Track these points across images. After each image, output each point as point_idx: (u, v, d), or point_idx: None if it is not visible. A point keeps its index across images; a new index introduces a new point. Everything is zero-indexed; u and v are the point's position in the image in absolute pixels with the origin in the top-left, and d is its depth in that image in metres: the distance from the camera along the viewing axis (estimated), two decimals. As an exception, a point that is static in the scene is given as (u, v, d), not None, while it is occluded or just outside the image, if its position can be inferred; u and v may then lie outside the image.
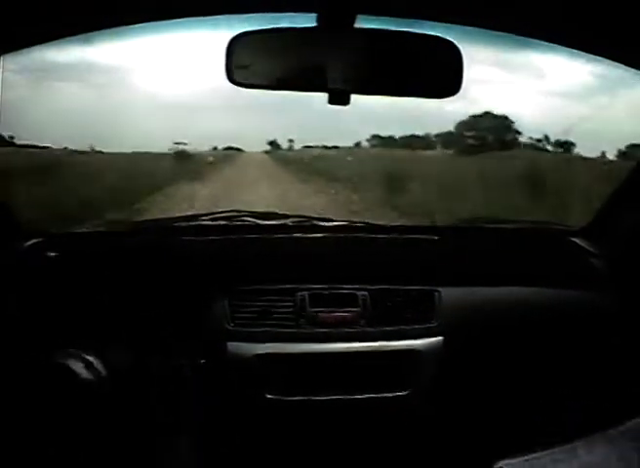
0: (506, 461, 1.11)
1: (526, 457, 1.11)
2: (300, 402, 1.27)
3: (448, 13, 1.03)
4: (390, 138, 6.25)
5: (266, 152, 6.85)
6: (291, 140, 6.38)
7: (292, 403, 1.27)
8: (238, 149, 6.50)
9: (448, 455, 1.36)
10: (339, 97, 0.97)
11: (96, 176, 4.47)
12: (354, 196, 5.17)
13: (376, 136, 6.21)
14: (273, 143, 6.58)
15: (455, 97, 0.95)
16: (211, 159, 6.10)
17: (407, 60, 0.95)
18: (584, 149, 4.62)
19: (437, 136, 6.40)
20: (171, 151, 5.42)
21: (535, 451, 1.15)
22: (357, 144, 6.29)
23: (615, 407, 1.30)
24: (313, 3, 0.93)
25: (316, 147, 6.49)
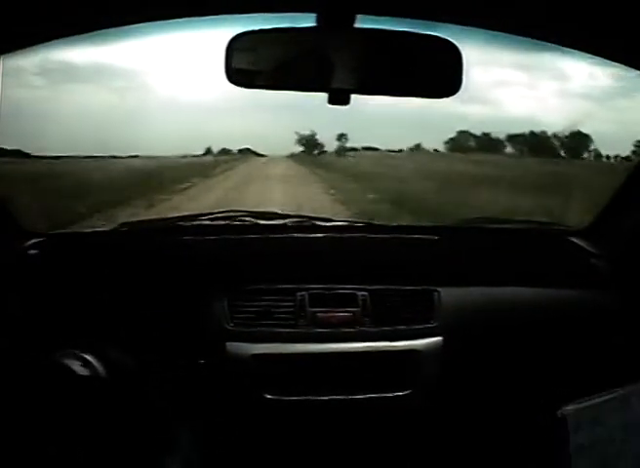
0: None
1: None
2: (299, 402, 1.27)
3: (447, 13, 1.03)
4: (469, 134, 4.34)
5: (292, 156, 5.16)
6: (343, 136, 4.22)
7: (291, 403, 1.27)
8: (261, 155, 5.07)
9: (448, 455, 1.36)
10: (338, 97, 0.97)
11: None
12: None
13: (465, 132, 4.28)
14: (308, 142, 4.50)
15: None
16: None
17: (406, 60, 0.95)
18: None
19: (561, 137, 4.31)
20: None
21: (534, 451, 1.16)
22: (417, 146, 4.73)
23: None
24: (313, 3, 0.93)
25: (355, 150, 4.76)
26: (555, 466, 1.23)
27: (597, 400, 1.20)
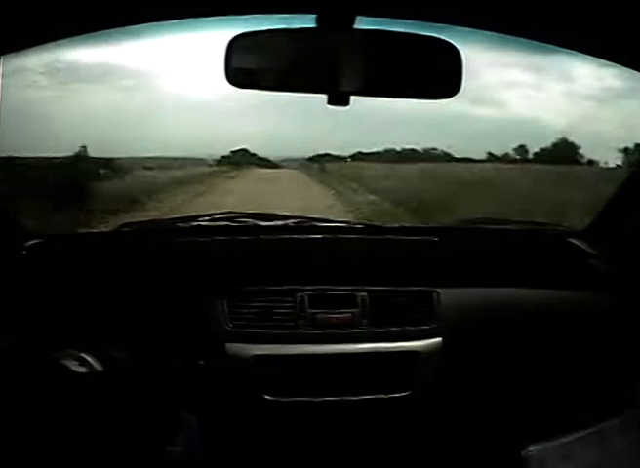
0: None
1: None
2: (299, 403, 1.27)
3: (447, 14, 1.03)
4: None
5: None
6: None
7: (290, 404, 1.27)
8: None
9: (447, 456, 1.36)
10: (338, 99, 0.97)
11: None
12: None
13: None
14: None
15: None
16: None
17: (406, 62, 0.96)
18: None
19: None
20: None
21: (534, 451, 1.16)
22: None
23: (614, 406, 1.30)
24: (313, 4, 0.94)
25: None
26: None
27: (566, 438, 1.18)
